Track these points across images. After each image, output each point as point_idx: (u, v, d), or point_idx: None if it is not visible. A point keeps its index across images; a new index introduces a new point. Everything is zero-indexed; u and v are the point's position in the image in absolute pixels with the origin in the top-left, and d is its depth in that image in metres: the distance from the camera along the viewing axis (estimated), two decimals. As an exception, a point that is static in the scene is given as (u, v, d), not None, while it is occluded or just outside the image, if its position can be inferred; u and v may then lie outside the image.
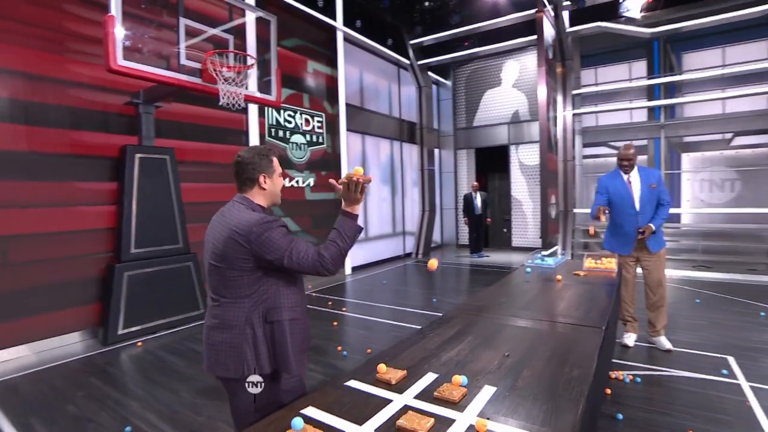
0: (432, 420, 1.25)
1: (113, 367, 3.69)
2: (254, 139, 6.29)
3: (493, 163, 11.26)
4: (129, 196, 4.43)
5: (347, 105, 8.19)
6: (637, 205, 3.74)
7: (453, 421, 1.26)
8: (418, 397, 1.42)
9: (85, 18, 4.38)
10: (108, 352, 4.03)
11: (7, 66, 3.91)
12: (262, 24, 5.74)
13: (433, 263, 1.95)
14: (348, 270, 8.13)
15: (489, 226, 10.55)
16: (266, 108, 6.57)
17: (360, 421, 1.28)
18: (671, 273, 6.94)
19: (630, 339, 3.89)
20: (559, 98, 8.21)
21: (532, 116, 9.90)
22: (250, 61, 4.35)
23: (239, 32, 5.09)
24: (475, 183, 9.80)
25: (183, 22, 3.95)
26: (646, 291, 3.85)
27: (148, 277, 4.50)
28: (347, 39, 8.18)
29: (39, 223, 4.07)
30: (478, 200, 9.56)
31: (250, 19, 5.10)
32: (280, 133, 6.86)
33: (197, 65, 4.08)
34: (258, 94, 4.80)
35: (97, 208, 4.46)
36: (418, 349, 1.89)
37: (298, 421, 1.22)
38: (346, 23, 8.00)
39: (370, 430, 1.23)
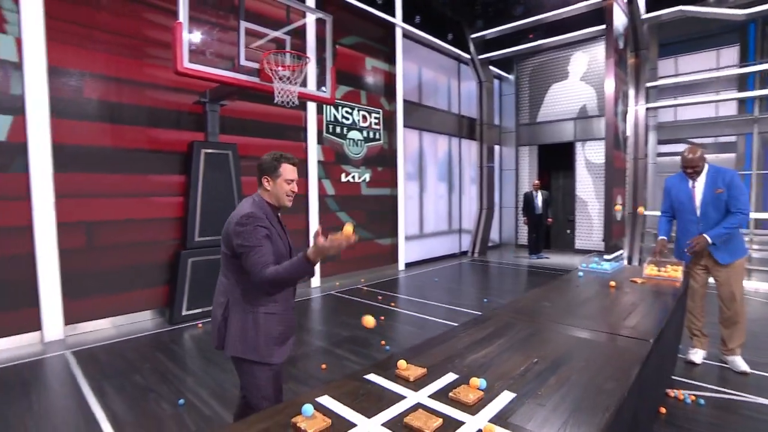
0: (440, 420, 1.23)
1: (176, 344, 4.04)
2: (312, 135, 6.51)
3: (557, 161, 10.69)
4: (195, 188, 4.80)
5: (405, 101, 8.20)
6: (698, 212, 3.37)
7: (462, 423, 1.23)
8: (433, 396, 1.40)
9: (161, 24, 4.80)
10: (172, 331, 4.41)
11: (96, 71, 4.39)
12: (320, 24, 5.92)
13: (369, 320, 1.75)
14: (401, 266, 8.16)
15: (550, 226, 10.06)
16: (324, 105, 6.76)
17: (370, 414, 1.29)
18: (759, 286, 6.16)
19: (697, 355, 3.52)
20: (631, 91, 7.58)
21: (601, 111, 9.22)
22: (304, 60, 4.47)
23: (298, 32, 5.28)
24: (537, 181, 9.37)
25: (243, 24, 4.19)
26: (719, 305, 3.46)
27: (210, 263, 4.85)
28: (406, 35, 8.17)
29: (119, 211, 4.55)
30: (539, 199, 9.13)
31: (310, 20, 5.27)
32: (338, 130, 7.04)
33: (256, 65, 4.31)
34: (313, 92, 4.95)
35: (168, 199, 4.88)
36: (445, 347, 1.86)
37: (308, 408, 1.26)
38: (405, 19, 7.99)
39: (378, 424, 1.23)
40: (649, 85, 7.79)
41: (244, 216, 1.74)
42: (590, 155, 9.80)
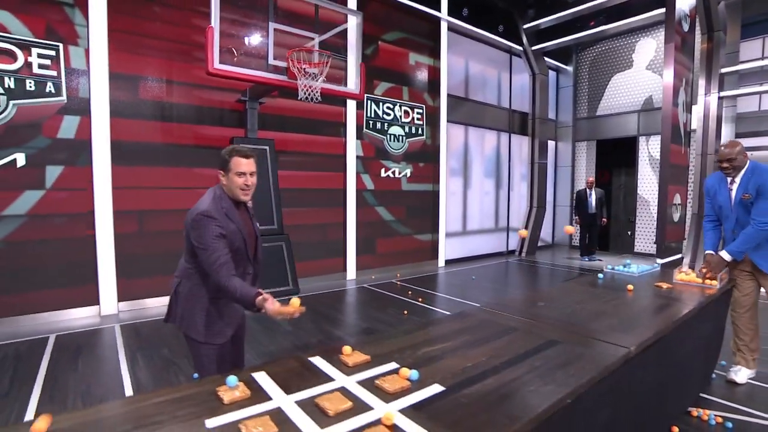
0: (350, 404, 1.26)
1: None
2: (351, 131, 6.66)
3: (618, 157, 9.93)
4: (234, 181, 5.14)
5: (450, 96, 8.08)
6: (734, 217, 3.05)
7: (371, 409, 1.25)
8: (360, 382, 1.43)
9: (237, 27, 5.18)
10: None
11: (150, 74, 4.87)
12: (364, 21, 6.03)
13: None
14: (441, 263, 8.09)
15: (608, 227, 9.38)
16: (366, 100, 6.88)
17: (290, 391, 1.35)
18: None
19: (740, 374, 3.13)
20: (702, 80, 6.82)
21: (672, 102, 8.38)
22: (326, 57, 4.61)
23: (330, 30, 5.40)
24: (591, 178, 8.77)
25: (272, 25, 4.41)
26: None
27: (246, 252, 5.18)
28: (452, 29, 8.04)
29: (167, 201, 5.02)
30: (593, 198, 8.55)
31: (341, 17, 5.38)
32: (378, 125, 7.13)
33: (285, 64, 4.52)
34: (339, 88, 5.07)
35: (210, 191, 5.29)
36: (405, 339, 1.86)
37: (232, 379, 1.35)
38: (451, 12, 7.86)
39: (292, 401, 1.30)
40: (724, 71, 6.94)
41: (200, 214, 1.82)
42: (654, 151, 8.97)
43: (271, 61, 4.45)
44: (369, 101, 6.95)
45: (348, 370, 1.53)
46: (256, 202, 5.17)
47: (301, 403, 1.28)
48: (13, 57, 4.16)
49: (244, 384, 1.38)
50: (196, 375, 3.09)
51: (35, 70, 4.26)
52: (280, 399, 1.31)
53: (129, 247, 4.79)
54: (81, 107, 4.49)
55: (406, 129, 7.51)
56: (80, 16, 4.47)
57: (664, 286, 2.88)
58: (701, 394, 2.91)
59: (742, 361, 3.17)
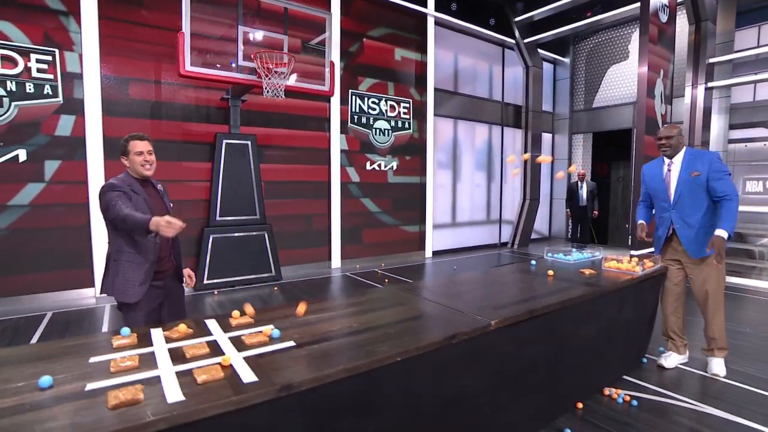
0: (208, 350, 1.57)
1: (195, 308, 4.78)
2: (335, 125, 6.95)
3: (615, 150, 9.88)
4: (217, 174, 5.53)
5: (438, 90, 8.26)
6: (672, 199, 3.14)
7: (223, 354, 1.55)
8: (231, 337, 1.73)
9: (194, 32, 5.54)
10: (195, 296, 5.20)
11: (139, 76, 5.28)
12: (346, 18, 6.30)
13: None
14: (428, 254, 8.32)
15: (605, 220, 9.39)
16: (350, 96, 7.15)
17: (170, 341, 1.67)
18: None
19: (668, 359, 3.27)
20: (689, 71, 6.78)
21: (677, 93, 8.30)
22: (290, 58, 4.89)
23: (310, 26, 5.67)
24: (581, 171, 8.78)
25: (241, 29, 4.74)
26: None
27: (228, 240, 5.57)
28: (440, 24, 8.19)
29: (157, 192, 5.43)
30: (584, 190, 8.57)
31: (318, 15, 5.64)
32: (363, 120, 7.38)
33: (254, 64, 4.83)
34: (305, 85, 5.36)
35: (197, 184, 5.69)
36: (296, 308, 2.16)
37: (125, 330, 1.69)
38: (439, 8, 8.00)
39: (165, 348, 1.61)
40: (712, 61, 6.87)
41: (102, 187, 2.23)
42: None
43: (241, 62, 4.78)
44: (354, 96, 7.21)
45: (229, 329, 1.83)
46: (240, 193, 5.53)
47: (171, 350, 1.60)
48: (14, 62, 4.63)
49: (136, 335, 1.71)
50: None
51: (34, 74, 4.72)
52: (157, 346, 1.63)
53: (121, 234, 5.24)
54: (76, 107, 4.94)
55: (392, 123, 7.74)
56: (74, 23, 4.90)
57: (587, 272, 3.06)
58: (625, 377, 3.06)
59: (672, 347, 3.33)
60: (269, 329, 1.75)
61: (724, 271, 3.19)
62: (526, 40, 9.21)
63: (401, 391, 1.66)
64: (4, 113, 4.59)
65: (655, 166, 3.32)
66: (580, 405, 2.63)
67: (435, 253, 8.43)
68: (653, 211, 3.45)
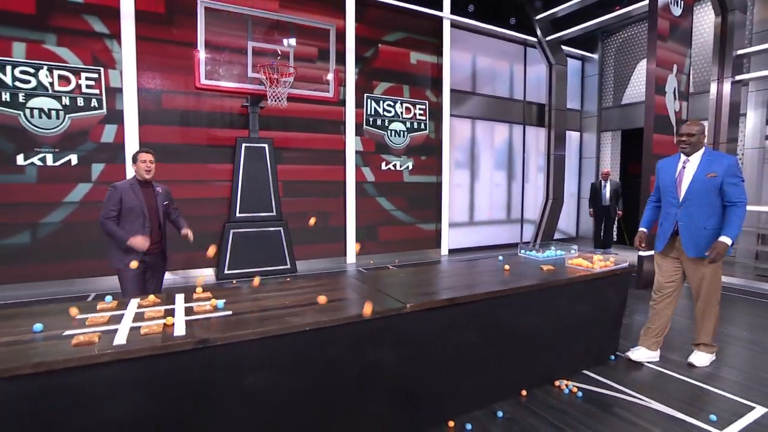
0: (163, 313, 2.00)
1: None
2: (351, 128, 7.34)
3: (637, 146, 9.48)
4: (237, 174, 6.11)
5: (455, 91, 8.42)
6: (681, 196, 3.16)
7: (171, 317, 1.97)
8: (187, 307, 2.16)
9: (218, 48, 6.17)
10: (217, 284, 5.80)
11: (170, 88, 5.96)
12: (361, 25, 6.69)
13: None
14: (444, 251, 8.51)
15: (632, 220, 9.08)
16: (365, 99, 7.52)
17: (140, 307, 2.12)
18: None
19: (635, 353, 3.36)
20: (714, 65, 6.50)
21: (696, 87, 7.95)
22: (289, 69, 5.36)
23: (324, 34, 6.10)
24: (606, 170, 8.60)
25: (251, 44, 5.24)
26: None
27: (246, 234, 6.13)
28: (457, 26, 8.34)
29: (186, 192, 6.10)
30: (607, 190, 8.41)
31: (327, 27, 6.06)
32: (378, 122, 7.73)
33: (262, 76, 5.34)
34: (309, 93, 5.85)
35: (220, 183, 6.31)
36: (264, 287, 2.56)
37: (108, 298, 2.16)
38: (455, 11, 8.16)
39: (133, 311, 2.06)
40: (740, 52, 6.53)
41: (109, 186, 2.96)
42: (682, 139, 8.51)
43: (250, 74, 5.30)
44: (369, 100, 7.57)
45: (191, 301, 2.26)
46: (257, 192, 6.05)
47: (137, 313, 2.05)
48: (69, 81, 5.44)
49: (117, 302, 2.18)
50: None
51: (83, 90, 5.51)
52: (129, 310, 2.09)
53: (154, 228, 5.96)
54: (117, 117, 5.69)
55: (408, 124, 8.02)
56: (116, 45, 5.65)
57: (545, 268, 3.22)
58: (585, 371, 3.14)
59: (643, 342, 3.39)
60: (215, 302, 2.15)
61: (721, 272, 3.22)
62: (548, 38, 9.12)
63: (318, 358, 1.99)
64: (60, 124, 5.41)
65: (670, 162, 3.33)
66: (524, 392, 2.80)
67: (451, 251, 8.60)
68: (659, 211, 3.44)
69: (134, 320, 1.94)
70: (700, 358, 3.28)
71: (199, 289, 2.39)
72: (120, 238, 2.93)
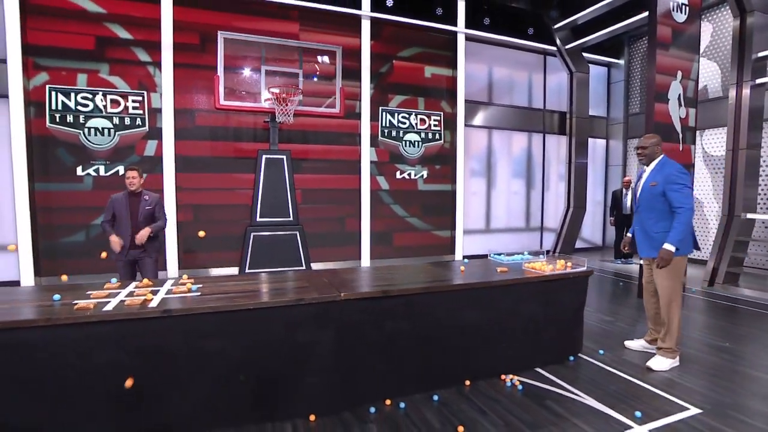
0: (151, 295, 2.55)
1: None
2: (366, 139, 7.84)
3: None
4: (258, 183, 6.78)
5: (470, 101, 8.69)
6: (637, 203, 3.55)
7: (152, 297, 2.51)
8: (168, 290, 2.70)
9: (239, 72, 6.92)
10: (236, 280, 6.47)
11: (202, 107, 6.77)
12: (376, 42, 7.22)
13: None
14: (458, 257, 8.73)
15: None
16: (380, 112, 7.99)
17: (132, 287, 2.70)
18: None
19: (631, 343, 3.84)
20: (732, 69, 6.33)
21: (726, 92, 7.67)
22: (296, 90, 5.98)
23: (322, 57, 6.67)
24: (627, 178, 8.46)
25: (264, 68, 5.89)
26: None
27: (265, 237, 6.77)
28: (473, 38, 8.62)
29: (214, 198, 6.87)
30: (628, 198, 8.26)
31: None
32: (393, 133, 8.16)
33: (271, 96, 5.98)
34: (313, 109, 6.47)
35: (244, 191, 7.01)
36: (239, 278, 3.08)
37: (113, 279, 2.76)
38: (471, 24, 8.44)
39: (125, 294, 2.63)
40: (762, 54, 6.31)
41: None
42: (710, 146, 8.23)
43: (264, 94, 5.95)
44: (384, 113, 8.03)
45: (176, 288, 2.81)
46: (275, 198, 6.68)
47: (131, 291, 2.62)
48: (119, 104, 6.37)
49: (120, 283, 2.78)
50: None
51: (130, 111, 6.43)
52: (126, 289, 2.67)
53: (187, 230, 6.76)
54: (157, 134, 6.56)
55: (423, 135, 8.38)
56: (158, 71, 6.54)
57: (499, 270, 3.50)
58: (538, 369, 3.34)
59: (648, 334, 3.70)
60: (190, 286, 2.69)
61: (679, 277, 3.36)
62: (568, 46, 9.15)
63: (259, 331, 2.45)
64: (111, 140, 6.35)
65: (640, 173, 3.63)
66: (468, 383, 3.08)
67: (466, 257, 8.77)
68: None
69: (126, 296, 2.51)
70: (659, 363, 3.39)
71: (185, 277, 2.94)
72: (107, 233, 3.85)
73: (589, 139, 10.01)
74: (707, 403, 2.83)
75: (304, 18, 7.28)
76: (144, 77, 6.51)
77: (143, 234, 3.86)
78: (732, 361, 3.59)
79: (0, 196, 6.04)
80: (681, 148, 5.90)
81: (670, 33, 5.63)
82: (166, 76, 6.49)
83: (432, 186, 8.52)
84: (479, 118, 8.88)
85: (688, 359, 3.59)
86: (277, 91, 5.88)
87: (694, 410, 2.75)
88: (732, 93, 6.45)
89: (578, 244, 10.07)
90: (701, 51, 8.36)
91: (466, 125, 8.68)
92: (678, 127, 5.82)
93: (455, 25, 8.36)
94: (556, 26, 8.97)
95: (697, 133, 8.38)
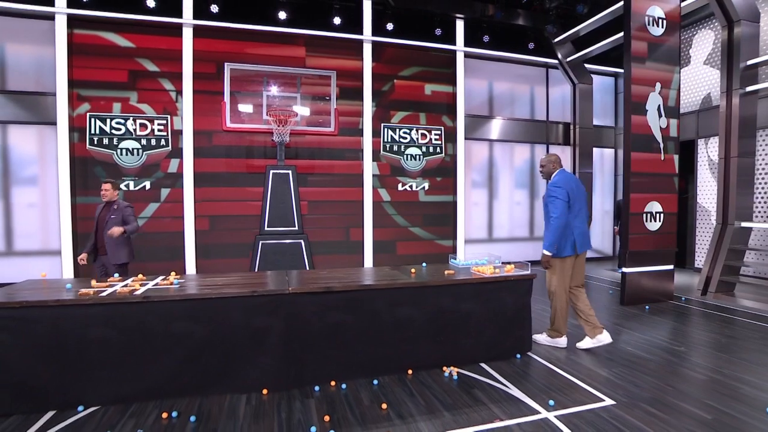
0: (139, 284, 3.17)
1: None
2: (368, 154, 8.39)
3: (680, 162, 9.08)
4: (266, 195, 7.46)
5: (470, 116, 9.07)
6: None
7: (140, 289, 3.13)
8: (155, 283, 3.31)
9: (253, 96, 7.68)
10: (245, 284, 7.13)
11: (217, 128, 7.57)
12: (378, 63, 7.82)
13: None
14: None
15: (684, 241, 8.76)
16: (382, 128, 8.53)
17: (128, 284, 3.34)
18: None
19: (582, 341, 4.15)
20: (722, 78, 6.40)
21: (726, 100, 7.62)
22: (290, 112, 6.63)
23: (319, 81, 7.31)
24: (628, 187, 8.47)
25: (265, 93, 6.59)
26: None
27: (274, 245, 7.41)
28: (473, 56, 9.03)
29: (227, 209, 7.62)
30: (629, 207, 8.27)
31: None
32: (395, 148, 8.66)
33: (271, 118, 6.67)
34: (307, 128, 7.15)
35: (254, 203, 7.72)
36: (225, 275, 3.66)
37: (116, 275, 3.41)
38: (471, 42, 8.85)
39: (119, 286, 3.27)
40: (753, 62, 6.33)
41: None
42: (715, 154, 8.14)
43: (265, 117, 6.64)
44: (386, 129, 8.56)
45: (162, 282, 3.41)
46: (282, 209, 7.34)
47: (126, 283, 3.25)
48: (146, 127, 7.28)
49: (121, 278, 3.43)
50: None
51: (156, 132, 7.32)
52: (123, 282, 3.30)
53: (203, 239, 7.53)
54: (178, 153, 7.41)
55: (424, 149, 8.83)
56: (180, 98, 7.42)
57: (446, 272, 3.89)
58: (482, 364, 3.66)
59: (587, 332, 4.11)
60: (173, 279, 3.29)
61: (562, 275, 3.98)
62: (569, 59, 9.35)
63: (221, 317, 2.99)
64: (139, 159, 7.25)
65: None
66: (410, 372, 3.46)
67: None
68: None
69: (121, 287, 3.13)
70: (541, 336, 4.18)
71: (173, 274, 3.56)
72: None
73: (597, 149, 10.09)
74: (625, 397, 3.07)
75: (310, 44, 8.00)
76: (168, 103, 7.40)
77: (114, 230, 4.25)
78: (675, 363, 3.76)
79: (48, 208, 7.03)
80: (663, 158, 6.02)
81: (646, 47, 5.83)
82: (186, 102, 7.35)
83: (433, 197, 8.92)
84: (481, 131, 9.23)
85: (633, 359, 3.80)
86: (270, 118, 6.60)
87: (608, 402, 3.00)
88: (722, 102, 6.49)
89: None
90: (704, 59, 8.37)
91: (468, 138, 9.06)
92: (659, 137, 5.97)
93: (454, 44, 8.81)
94: (556, 40, 9.21)
95: (701, 141, 8.39)
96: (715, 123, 7.98)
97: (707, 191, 8.31)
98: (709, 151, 8.28)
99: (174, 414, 2.72)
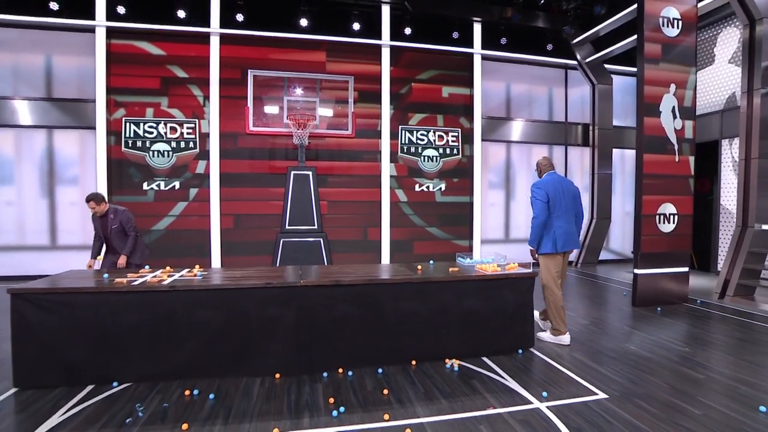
0: (167, 275, 3.51)
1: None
2: (386, 156, 8.62)
3: (698, 164, 8.88)
4: (287, 195, 7.80)
5: (488, 118, 9.16)
6: None
7: (174, 276, 3.46)
8: (182, 274, 3.64)
9: (276, 99, 8.03)
10: (266, 279, 7.49)
11: (242, 131, 7.96)
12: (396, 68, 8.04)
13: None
14: (477, 265, 9.12)
15: (708, 244, 8.63)
16: (400, 130, 8.74)
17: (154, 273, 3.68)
18: None
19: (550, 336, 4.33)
20: (743, 77, 6.30)
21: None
22: (308, 116, 6.94)
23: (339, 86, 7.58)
24: (647, 188, 8.37)
25: (286, 98, 6.92)
26: None
27: (294, 243, 7.75)
28: (490, 58, 9.12)
29: (251, 208, 8.00)
30: (648, 208, 8.19)
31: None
32: (412, 149, 8.86)
33: (291, 122, 6.99)
34: (325, 131, 7.53)
35: (276, 202, 8.07)
36: (226, 271, 3.98)
37: (146, 267, 3.77)
38: (488, 44, 8.95)
39: (155, 273, 3.61)
40: (774, 64, 6.20)
41: None
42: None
43: (285, 120, 6.97)
44: (403, 131, 8.76)
45: (187, 273, 3.74)
46: (302, 209, 7.69)
47: (157, 273, 3.59)
48: (176, 130, 7.75)
49: (151, 269, 3.79)
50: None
51: (185, 136, 7.78)
52: (153, 273, 3.65)
53: (228, 236, 7.94)
54: (206, 155, 7.84)
55: (441, 150, 8.98)
56: (207, 102, 7.85)
57: (451, 270, 4.07)
58: (484, 358, 3.80)
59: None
60: (197, 271, 3.61)
61: (549, 270, 4.17)
62: (588, 59, 9.30)
63: (237, 306, 3.29)
64: (169, 161, 7.72)
65: None
66: (414, 362, 3.66)
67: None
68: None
69: (151, 278, 3.47)
70: (544, 334, 4.34)
71: (197, 267, 3.89)
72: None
73: (618, 150, 9.98)
74: (618, 392, 3.17)
75: (330, 49, 8.29)
76: (196, 108, 7.85)
77: (121, 262, 4.49)
78: (677, 363, 3.81)
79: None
80: (677, 159, 5.99)
81: (660, 48, 5.82)
82: (213, 107, 7.77)
83: (450, 198, 9.06)
84: (499, 133, 9.30)
85: (635, 358, 3.88)
86: (290, 122, 6.92)
87: (601, 395, 3.12)
88: (743, 102, 6.38)
89: (607, 256, 10.01)
90: (729, 58, 8.19)
91: (485, 140, 9.16)
92: (673, 139, 5.94)
93: (472, 47, 8.93)
94: (575, 41, 9.18)
95: (725, 141, 8.22)
96: (738, 123, 7.80)
97: (730, 193, 8.13)
98: (733, 152, 8.10)
99: (195, 392, 3.03)
